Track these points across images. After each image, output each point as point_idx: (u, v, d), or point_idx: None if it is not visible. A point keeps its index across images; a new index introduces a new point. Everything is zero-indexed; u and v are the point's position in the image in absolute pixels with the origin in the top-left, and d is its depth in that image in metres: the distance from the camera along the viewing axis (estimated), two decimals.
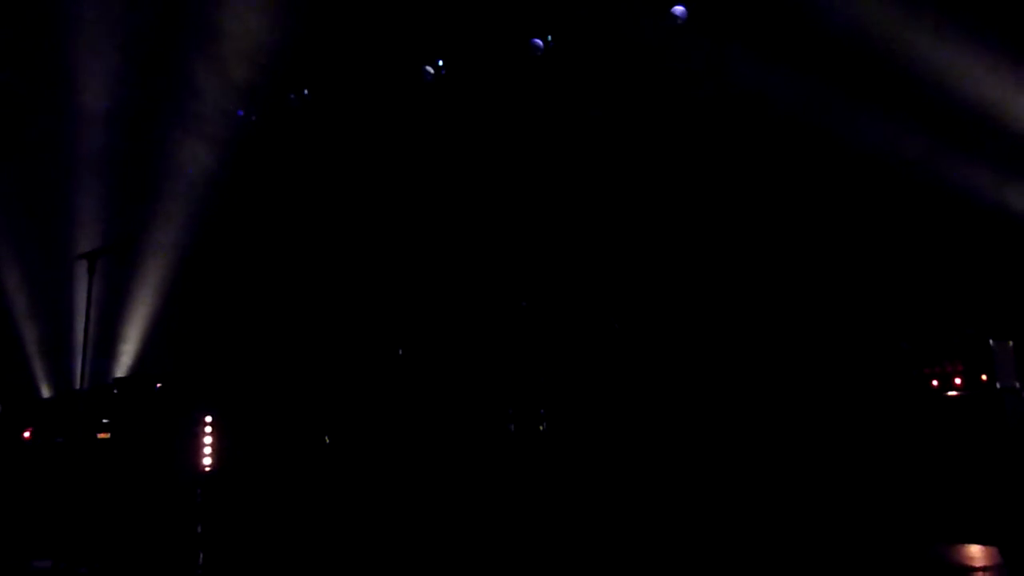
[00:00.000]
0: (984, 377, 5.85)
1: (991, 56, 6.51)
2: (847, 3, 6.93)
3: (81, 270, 8.29)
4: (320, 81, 9.54)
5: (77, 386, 8.89)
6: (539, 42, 8.45)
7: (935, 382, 6.04)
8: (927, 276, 6.84)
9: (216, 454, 7.59)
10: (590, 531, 6.46)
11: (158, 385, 7.75)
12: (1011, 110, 6.48)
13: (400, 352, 8.40)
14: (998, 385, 5.82)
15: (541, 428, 7.46)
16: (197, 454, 7.52)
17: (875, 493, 6.04)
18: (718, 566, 5.58)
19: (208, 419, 7.66)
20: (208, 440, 7.61)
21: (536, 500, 6.93)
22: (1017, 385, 5.90)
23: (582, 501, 6.81)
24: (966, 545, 5.52)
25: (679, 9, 7.88)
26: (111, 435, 7.65)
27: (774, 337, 7.29)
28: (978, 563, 5.28)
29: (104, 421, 7.68)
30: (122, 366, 9.28)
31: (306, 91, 9.62)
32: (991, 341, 5.90)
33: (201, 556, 6.92)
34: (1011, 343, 5.99)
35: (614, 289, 8.20)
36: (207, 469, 7.60)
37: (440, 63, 8.95)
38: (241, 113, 9.86)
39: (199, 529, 7.22)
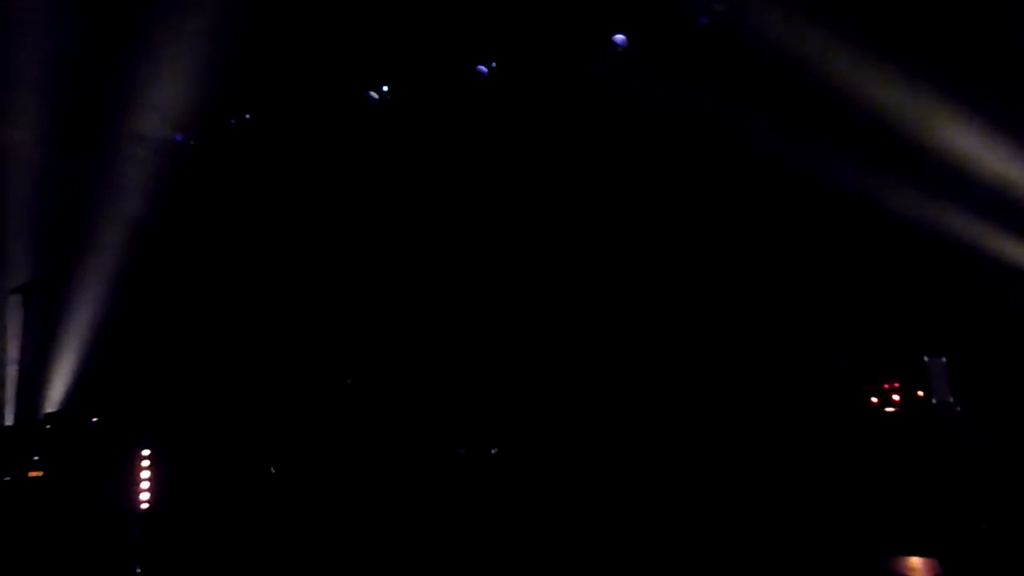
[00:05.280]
0: (920, 393, 6.05)
1: (929, 84, 6.78)
2: (785, 32, 7.16)
3: (8, 303, 7.98)
4: (262, 106, 9.42)
5: (6, 422, 8.52)
6: (483, 69, 8.52)
7: (874, 399, 6.22)
8: (864, 294, 7.05)
9: (155, 491, 7.34)
10: (541, 553, 6.43)
11: (93, 420, 7.46)
12: (947, 136, 6.75)
13: (348, 381, 8.28)
14: (933, 401, 6.03)
15: (492, 451, 7.44)
16: (135, 491, 7.25)
17: (817, 506, 6.17)
18: None
19: (146, 454, 7.40)
20: (146, 476, 7.35)
21: (487, 524, 6.88)
22: (951, 400, 6.11)
23: (532, 524, 6.79)
24: (906, 557, 5.66)
25: (619, 37, 8.06)
26: (43, 473, 7.32)
27: (715, 355, 7.42)
28: (917, 574, 5.43)
29: (35, 458, 7.35)
30: (54, 400, 8.91)
31: (247, 116, 9.49)
32: (925, 358, 6.11)
33: None
34: (944, 360, 6.21)
35: (559, 310, 8.25)
36: (145, 507, 7.34)
37: (384, 88, 8.94)
38: (180, 138, 9.67)
39: (137, 570, 6.96)
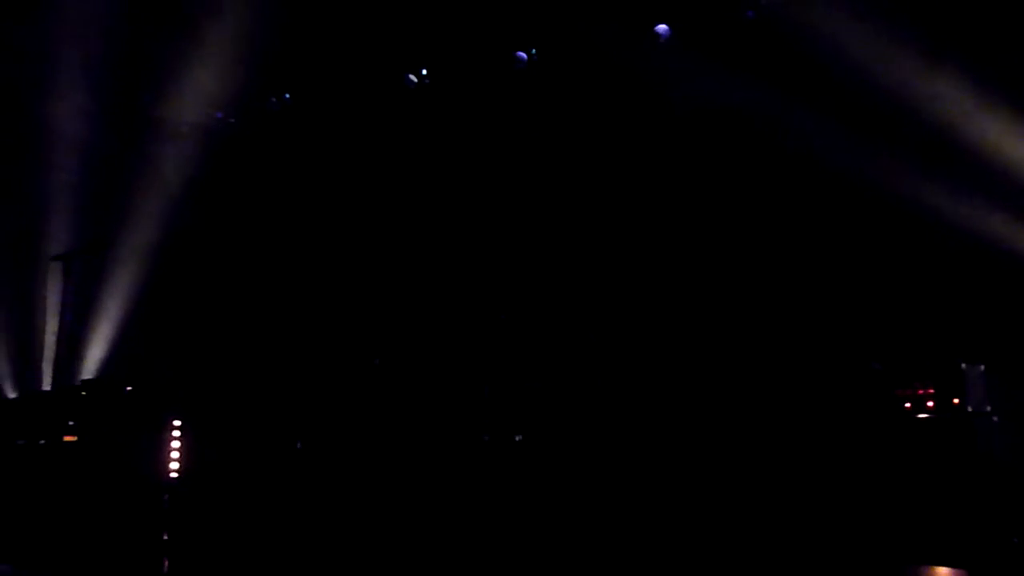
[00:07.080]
0: (956, 401, 5.91)
1: (979, 85, 6.61)
2: (828, 25, 7.03)
3: (49, 271, 8.16)
4: (301, 85, 9.49)
5: (44, 387, 8.73)
6: (523, 55, 8.48)
7: (907, 404, 6.09)
8: (901, 298, 6.93)
9: (184, 460, 7.46)
10: (563, 541, 6.44)
11: (128, 388, 7.61)
12: (995, 137, 6.59)
13: (376, 362, 8.34)
14: (969, 409, 5.89)
15: (517, 439, 7.44)
16: (165, 460, 7.38)
17: (846, 513, 6.08)
18: None
19: (176, 423, 7.53)
20: (176, 445, 7.47)
21: (510, 510, 6.91)
22: (988, 409, 5.97)
23: (556, 512, 6.79)
24: (934, 567, 5.57)
25: (662, 28, 7.97)
26: (77, 437, 7.49)
27: (747, 355, 7.34)
28: None
29: (70, 423, 7.53)
30: (90, 368, 9.12)
31: (287, 95, 9.56)
32: (963, 365, 5.97)
33: (166, 564, 6.79)
34: (982, 367, 6.06)
35: (593, 303, 8.23)
36: (175, 475, 7.46)
37: (424, 72, 8.95)
38: (219, 116, 9.78)
39: (165, 537, 7.09)
